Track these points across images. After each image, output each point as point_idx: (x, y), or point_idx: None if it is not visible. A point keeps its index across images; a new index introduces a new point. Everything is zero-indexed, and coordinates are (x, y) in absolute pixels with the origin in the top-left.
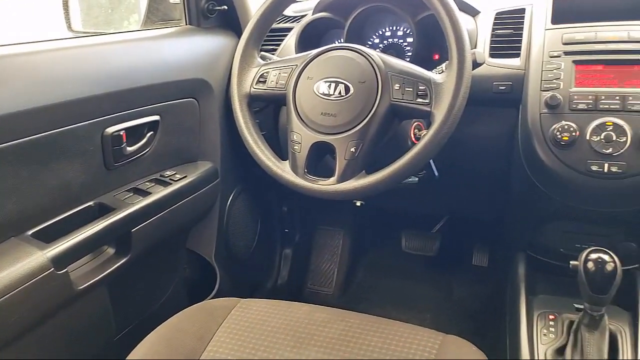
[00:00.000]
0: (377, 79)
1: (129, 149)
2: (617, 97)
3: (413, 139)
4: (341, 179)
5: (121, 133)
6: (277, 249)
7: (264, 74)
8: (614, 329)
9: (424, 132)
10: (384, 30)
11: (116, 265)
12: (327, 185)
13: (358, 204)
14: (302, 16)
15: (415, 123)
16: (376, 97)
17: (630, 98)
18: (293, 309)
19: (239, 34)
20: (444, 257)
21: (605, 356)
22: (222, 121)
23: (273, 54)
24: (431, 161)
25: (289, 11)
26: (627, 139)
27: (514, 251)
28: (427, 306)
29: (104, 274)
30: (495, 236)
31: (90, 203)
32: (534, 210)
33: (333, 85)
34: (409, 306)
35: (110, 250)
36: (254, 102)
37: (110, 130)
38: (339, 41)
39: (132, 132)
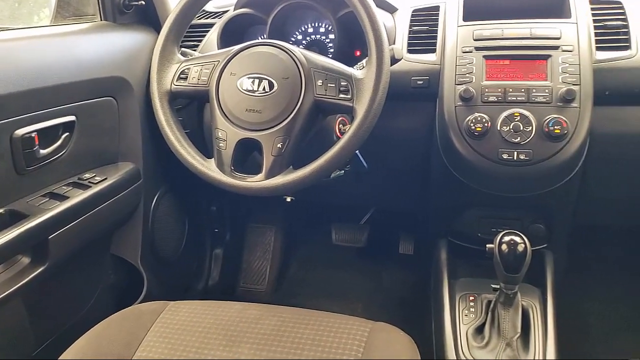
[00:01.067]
0: (300, 75)
1: (43, 151)
2: (523, 90)
3: (338, 133)
4: (269, 175)
5: (33, 135)
6: (207, 250)
7: (185, 71)
8: (526, 305)
9: (348, 127)
10: (306, 26)
11: (32, 275)
12: (255, 182)
13: (288, 199)
14: (224, 12)
15: (340, 118)
16: (300, 93)
17: (534, 90)
18: (224, 308)
19: (158, 29)
20: (372, 248)
21: (519, 330)
22: (143, 120)
23: (195, 51)
24: (360, 155)
25: (210, 7)
26: (532, 128)
27: (436, 238)
28: (358, 296)
29: (18, 285)
30: (419, 225)
31: (0, 210)
32: (453, 198)
33: (257, 81)
34: (341, 297)
35: (25, 260)
36: (175, 99)
37: (20, 132)
38: (262, 37)
39: (46, 133)
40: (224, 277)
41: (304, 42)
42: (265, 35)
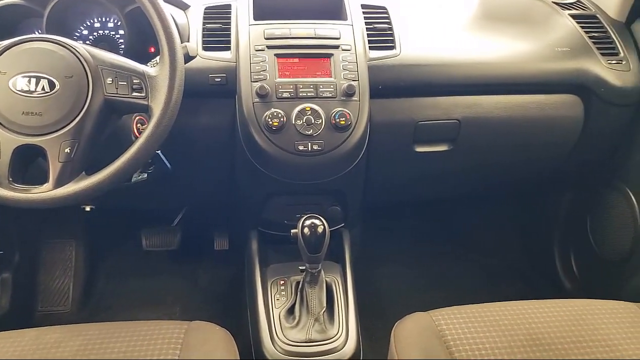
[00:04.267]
0: (86, 73)
1: None
2: (312, 86)
3: (136, 133)
4: (58, 184)
5: None
6: None
7: None
8: (329, 281)
9: (147, 126)
10: (92, 21)
11: None
12: (42, 192)
13: (87, 208)
14: None
15: (137, 117)
16: (87, 92)
17: (321, 86)
18: (16, 338)
19: None
20: (186, 249)
21: (325, 305)
22: None
23: None
24: (162, 155)
25: None
26: (322, 121)
27: (247, 230)
28: (175, 299)
29: None
30: (232, 219)
31: None
32: (258, 189)
33: (34, 80)
34: (157, 303)
35: None
36: None
37: None
38: (38, 32)
39: None
40: (17, 304)
41: (90, 37)
42: (41, 30)
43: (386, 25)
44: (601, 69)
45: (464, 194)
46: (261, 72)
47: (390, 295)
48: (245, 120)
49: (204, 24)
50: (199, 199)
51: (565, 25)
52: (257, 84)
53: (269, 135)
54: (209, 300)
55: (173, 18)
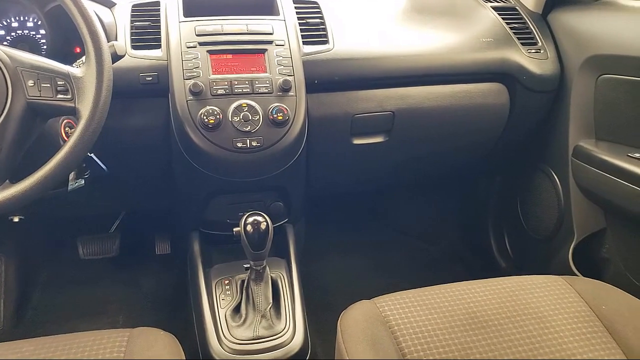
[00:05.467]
0: (4, 75)
1: None
2: (247, 82)
3: (65, 137)
4: None
5: None
6: None
7: None
8: (275, 277)
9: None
10: (9, 20)
11: None
12: None
13: (16, 219)
14: None
15: (66, 121)
16: (7, 96)
17: (257, 82)
18: None
19: None
20: (127, 255)
21: (271, 301)
22: None
23: None
24: (95, 158)
25: None
26: (259, 117)
27: (188, 232)
28: (118, 308)
29: None
30: (173, 221)
31: None
32: (198, 189)
33: None
34: (99, 313)
35: None
36: None
37: None
38: None
39: None
40: None
41: (8, 38)
42: None
43: (318, 20)
44: (522, 57)
45: (402, 182)
46: (194, 70)
47: (337, 287)
48: (179, 119)
49: (132, 21)
50: (137, 202)
51: (488, 17)
52: (190, 82)
53: (205, 133)
54: (153, 306)
55: (98, 16)
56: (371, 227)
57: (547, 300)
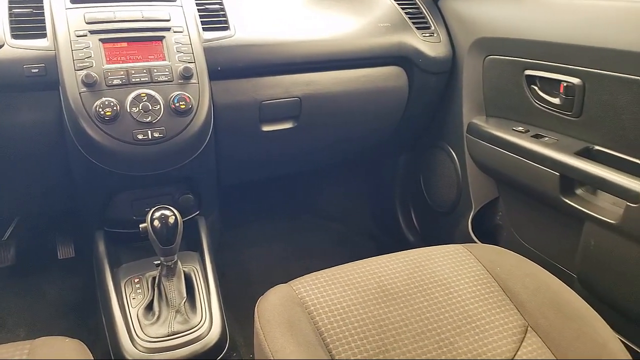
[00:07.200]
0: None
1: None
2: (145, 71)
3: None
4: None
5: None
6: None
7: None
8: (188, 270)
9: None
10: None
11: None
12: None
13: None
14: None
15: None
16: None
17: (155, 70)
18: None
19: None
20: (25, 262)
21: (185, 295)
22: None
23: None
24: None
25: None
26: (160, 106)
27: (92, 232)
28: (18, 320)
29: None
30: (75, 223)
31: None
32: (100, 187)
33: None
34: None
35: None
36: None
37: None
38: None
39: None
40: None
41: None
42: None
43: (218, 6)
44: (417, 41)
45: (313, 166)
46: (85, 60)
47: (256, 274)
48: (72, 112)
49: (10, 9)
50: (32, 206)
51: (385, 3)
52: (82, 72)
53: (102, 126)
54: (59, 314)
55: None
56: (287, 212)
57: (450, 268)
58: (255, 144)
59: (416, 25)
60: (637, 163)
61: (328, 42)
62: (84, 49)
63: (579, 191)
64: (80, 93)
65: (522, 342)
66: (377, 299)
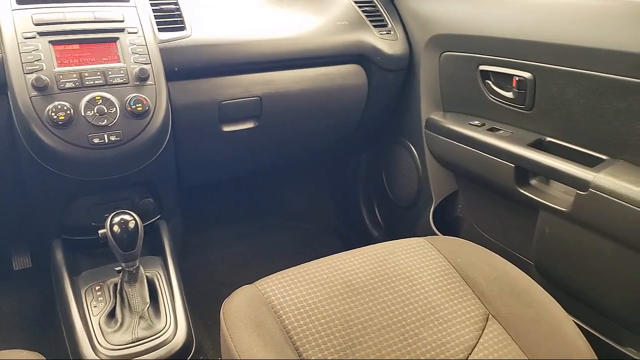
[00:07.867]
0: None
1: None
2: (99, 73)
3: None
4: None
5: None
6: None
7: None
8: (151, 276)
9: None
10: None
11: None
12: None
13: None
14: None
15: None
16: None
17: (110, 72)
18: None
19: None
20: None
21: (148, 300)
22: None
23: None
24: None
25: None
26: (116, 109)
27: (49, 240)
28: None
29: None
30: (29, 232)
31: None
32: (55, 194)
33: None
34: None
35: None
36: None
37: None
38: None
39: None
40: None
41: None
42: None
43: (173, 6)
44: (375, 39)
45: (275, 166)
46: (35, 62)
47: (222, 277)
48: (23, 117)
49: None
50: None
51: (342, 1)
52: (32, 76)
53: (55, 131)
54: (17, 327)
55: None
56: (251, 213)
57: (413, 261)
58: (216, 145)
59: (373, 24)
60: (586, 153)
61: (287, 40)
62: (33, 52)
63: (533, 181)
64: (30, 97)
65: (483, 329)
66: (342, 294)
